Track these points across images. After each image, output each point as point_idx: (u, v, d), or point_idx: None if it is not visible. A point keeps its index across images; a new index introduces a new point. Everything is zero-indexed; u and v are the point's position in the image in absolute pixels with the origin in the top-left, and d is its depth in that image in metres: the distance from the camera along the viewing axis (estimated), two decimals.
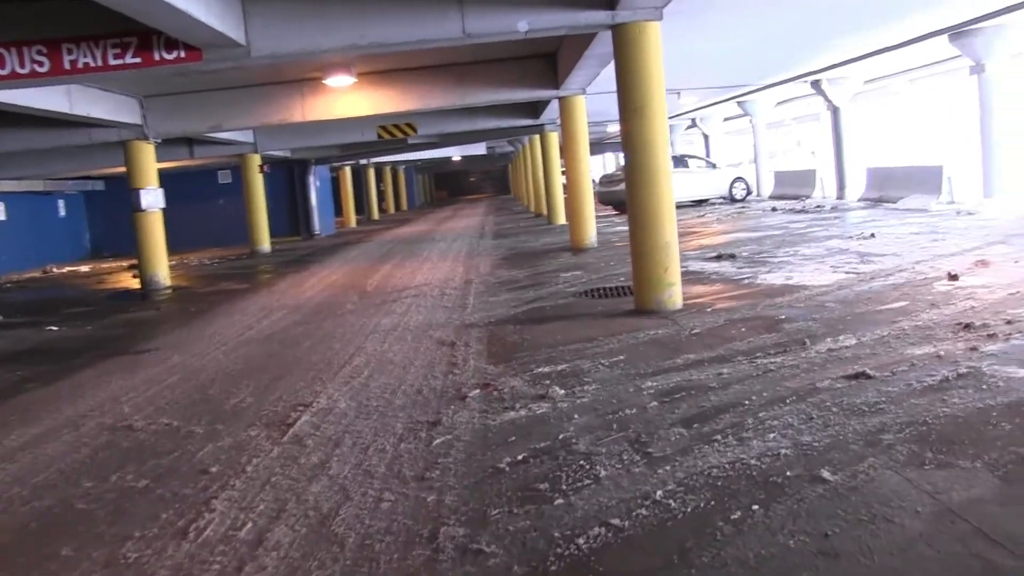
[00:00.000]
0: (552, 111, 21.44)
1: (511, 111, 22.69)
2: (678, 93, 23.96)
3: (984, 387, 5.24)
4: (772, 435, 4.71)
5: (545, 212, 26.65)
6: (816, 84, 24.37)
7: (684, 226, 19.06)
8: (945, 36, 17.76)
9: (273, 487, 4.68)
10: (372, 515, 4.16)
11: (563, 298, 10.89)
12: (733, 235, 17.14)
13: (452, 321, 9.80)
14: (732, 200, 28.79)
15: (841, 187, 25.06)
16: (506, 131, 27.18)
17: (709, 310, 9.01)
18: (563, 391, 6.05)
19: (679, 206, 26.92)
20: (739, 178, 29.49)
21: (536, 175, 29.91)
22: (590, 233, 17.14)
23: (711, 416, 5.16)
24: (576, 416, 5.44)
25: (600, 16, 9.20)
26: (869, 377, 5.68)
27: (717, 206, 27.32)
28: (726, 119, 37.61)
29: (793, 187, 28.53)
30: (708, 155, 35.32)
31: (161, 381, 7.86)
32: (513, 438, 5.12)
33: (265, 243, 25.17)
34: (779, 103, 31.73)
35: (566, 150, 17.00)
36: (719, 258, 13.31)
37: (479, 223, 31.18)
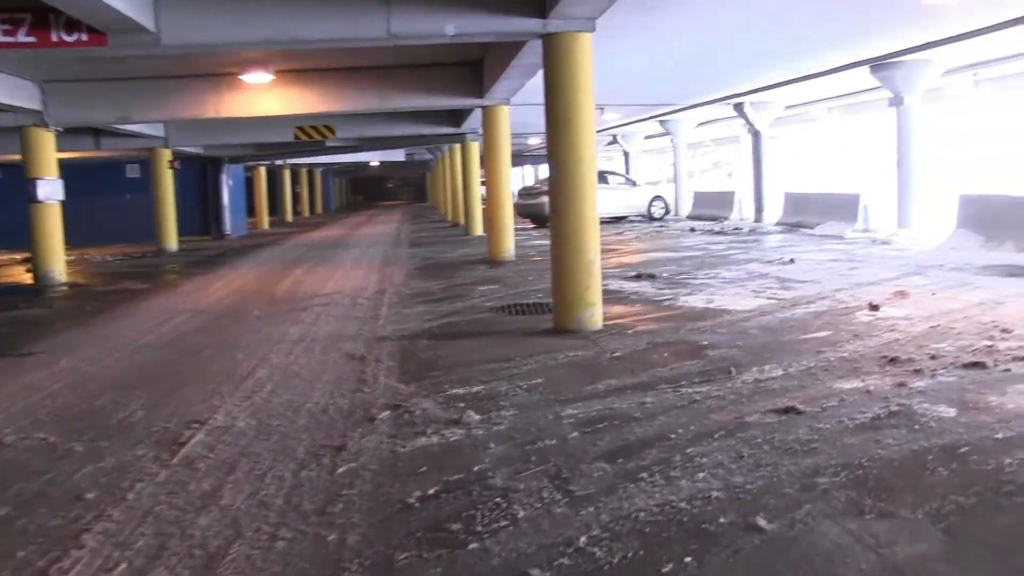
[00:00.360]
0: (474, 120, 21.14)
1: (432, 118, 22.32)
2: (602, 108, 23.83)
3: (917, 427, 5.02)
4: (702, 474, 4.41)
5: (463, 222, 26.30)
6: (739, 107, 24.45)
7: (603, 243, 18.84)
8: (867, 68, 17.87)
9: (156, 519, 4.21)
10: (265, 556, 3.73)
11: (479, 313, 10.54)
12: (653, 254, 16.99)
13: (363, 333, 9.37)
14: (651, 218, 28.76)
15: (759, 210, 25.17)
16: (426, 138, 26.80)
17: (630, 332, 8.75)
18: (478, 416, 5.68)
19: (604, 221, 26.87)
20: (658, 196, 29.51)
21: (455, 184, 29.55)
22: (508, 246, 16.84)
23: (636, 450, 4.85)
24: (492, 445, 5.08)
25: (531, 24, 8.89)
26: (799, 412, 5.43)
27: (636, 224, 27.26)
28: (647, 137, 37.73)
29: (711, 208, 28.62)
30: (628, 172, 35.32)
31: (43, 388, 7.27)
32: (424, 468, 4.73)
33: (173, 242, 24.33)
34: (700, 124, 31.88)
35: (487, 160, 16.69)
36: (639, 278, 13.09)
37: (395, 230, 30.69)
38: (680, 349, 7.78)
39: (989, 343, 7.24)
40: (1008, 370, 6.32)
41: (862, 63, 17.00)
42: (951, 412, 5.28)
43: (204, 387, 7.03)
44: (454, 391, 6.49)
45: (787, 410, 5.49)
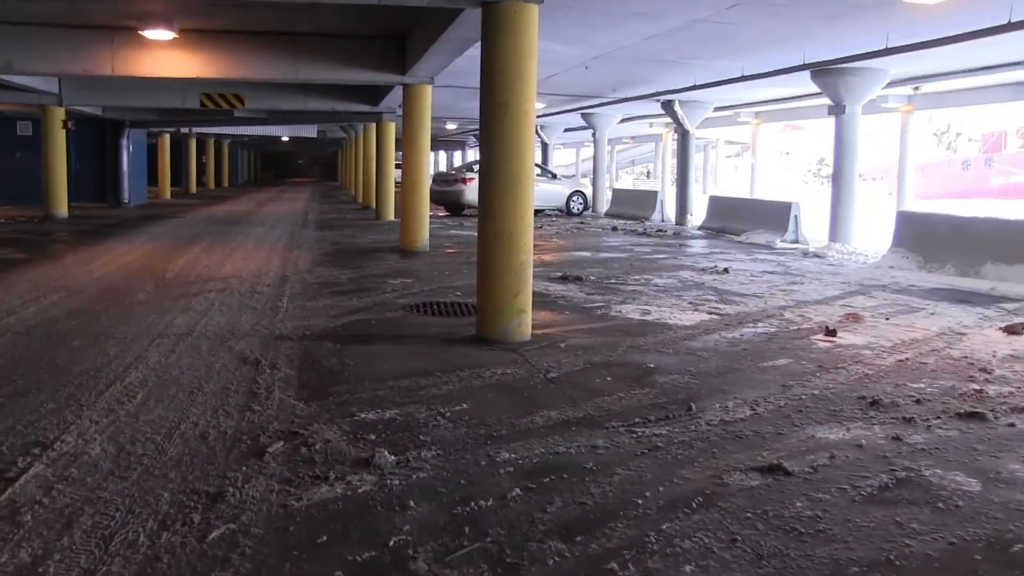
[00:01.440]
0: (392, 99, 19.99)
1: (348, 94, 21.09)
2: None
3: (940, 505, 4.09)
4: (689, 569, 3.40)
5: (374, 206, 25.06)
6: (668, 104, 23.63)
7: None
8: (807, 73, 17.15)
9: None
10: None
11: (392, 311, 9.44)
12: (576, 253, 16.04)
13: (260, 329, 8.19)
14: (569, 214, 27.90)
15: (682, 213, 24.44)
16: (340, 115, 25.50)
17: (563, 346, 7.75)
18: (394, 457, 4.59)
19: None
20: (577, 191, 28.66)
21: (368, 166, 28.22)
22: (423, 235, 15.73)
23: (597, 523, 3.81)
24: (412, 504, 3.99)
25: None
26: (788, 473, 4.47)
27: (554, 219, 26.31)
28: (567, 129, 36.82)
29: (632, 207, 27.83)
30: (547, 164, 34.39)
31: None
32: (324, 538, 3.62)
33: (63, 207, 22.55)
34: (623, 119, 31.10)
35: (405, 143, 15.52)
36: (565, 279, 12.12)
37: (303, 209, 29.24)
38: (624, 372, 6.80)
39: (976, 387, 6.39)
40: (1012, 424, 5.46)
41: (804, 67, 16.26)
42: (974, 485, 4.36)
43: (60, 392, 5.80)
44: (364, 416, 5.39)
45: (772, 469, 4.53)
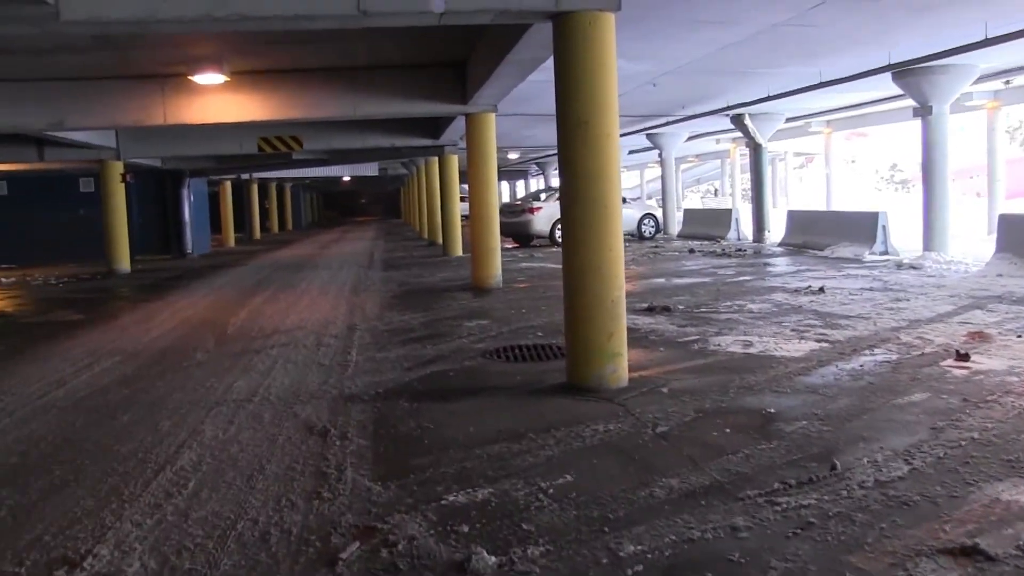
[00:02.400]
0: (453, 131, 19.32)
1: (408, 129, 20.47)
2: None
3: None
4: None
5: (440, 241, 24.41)
6: (738, 119, 22.69)
7: None
8: (887, 75, 16.13)
9: None
10: None
11: (470, 358, 8.64)
12: (657, 280, 15.13)
13: (328, 389, 7.43)
14: (641, 238, 26.98)
15: (760, 230, 23.44)
16: (401, 151, 24.90)
17: (665, 390, 6.88)
18: (494, 558, 3.74)
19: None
20: (649, 214, 27.74)
21: (432, 200, 27.56)
22: (495, 271, 14.94)
23: None
24: None
25: (539, 1, 7.03)
26: (990, 558, 3.55)
27: (627, 244, 25.29)
28: (631, 151, 35.97)
29: (705, 227, 26.86)
30: None
31: None
32: None
33: (125, 262, 22.18)
34: (690, 137, 30.17)
35: (471, 174, 14.78)
36: (651, 311, 11.24)
37: (368, 249, 28.67)
38: (742, 421, 5.91)
39: None
40: None
41: (888, 68, 15.23)
42: None
43: (100, 485, 5.06)
44: (451, 497, 4.58)
45: (966, 552, 3.61)
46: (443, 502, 4.52)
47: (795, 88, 17.44)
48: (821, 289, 12.61)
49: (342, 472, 5.09)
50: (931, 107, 16.28)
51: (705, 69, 15.31)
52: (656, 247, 23.67)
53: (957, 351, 7.82)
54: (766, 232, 23.37)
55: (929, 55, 14.10)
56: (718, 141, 34.59)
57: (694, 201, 60.68)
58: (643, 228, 27.14)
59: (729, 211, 26.76)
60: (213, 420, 6.48)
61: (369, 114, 14.66)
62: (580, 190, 7.01)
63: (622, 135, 28.34)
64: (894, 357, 7.87)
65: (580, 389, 7.01)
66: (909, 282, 13.31)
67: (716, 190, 56.07)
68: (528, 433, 5.74)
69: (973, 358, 7.63)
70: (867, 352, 8.15)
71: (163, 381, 8.05)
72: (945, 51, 13.58)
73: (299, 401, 6.99)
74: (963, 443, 5.19)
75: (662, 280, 15.14)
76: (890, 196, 44.38)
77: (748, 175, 30.19)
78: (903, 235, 18.90)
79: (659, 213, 28.79)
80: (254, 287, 16.66)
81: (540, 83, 13.71)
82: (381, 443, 5.71)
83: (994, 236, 20.56)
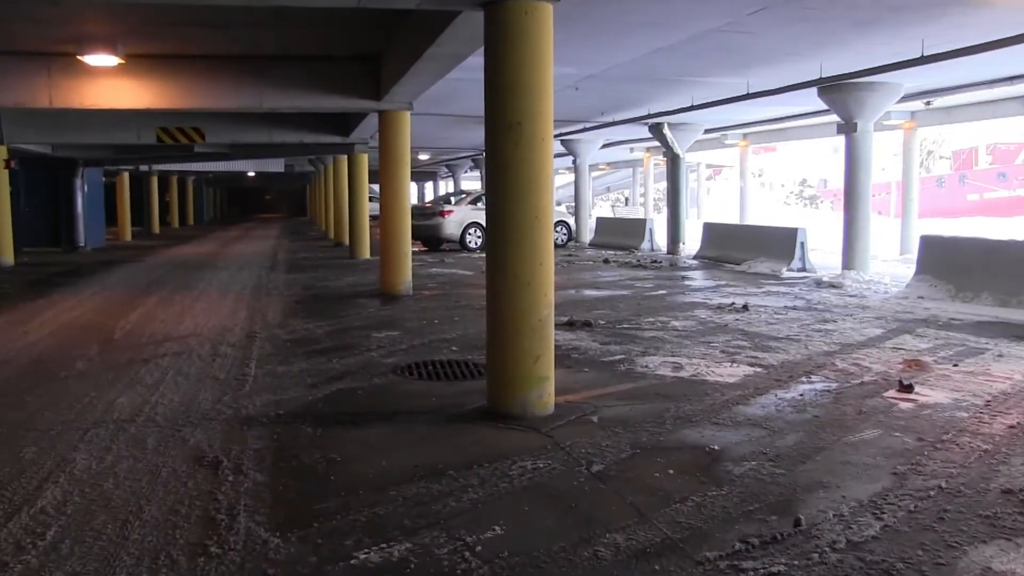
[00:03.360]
0: (364, 129, 18.57)
1: (317, 125, 19.63)
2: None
3: None
4: None
5: (347, 243, 23.57)
6: (656, 128, 22.33)
7: None
8: (815, 90, 15.87)
9: None
10: None
11: (380, 374, 7.95)
12: (574, 292, 14.57)
13: (222, 409, 6.65)
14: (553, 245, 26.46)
15: (674, 241, 23.11)
16: (309, 148, 24.04)
17: (595, 419, 6.30)
18: None
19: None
20: (561, 221, 27.22)
21: (340, 201, 26.58)
22: (405, 276, 14.22)
23: None
24: None
25: None
26: None
27: None
28: None
29: (619, 236, 26.47)
30: None
31: None
32: None
33: (8, 254, 20.72)
34: (605, 145, 29.78)
35: (383, 174, 14.04)
36: (572, 325, 10.70)
37: (272, 248, 27.58)
38: (685, 460, 5.34)
39: None
40: None
41: (819, 82, 14.93)
42: None
43: None
44: (363, 555, 3.89)
45: None
46: (353, 562, 3.83)
47: (721, 99, 17.07)
48: (745, 307, 12.21)
49: (234, 518, 4.36)
50: (856, 124, 16.05)
51: (631, 75, 14.83)
52: (570, 255, 23.17)
53: (900, 381, 7.40)
54: (681, 244, 23.06)
55: (861, 71, 13.80)
56: (632, 150, 34.33)
57: (604, 209, 60.62)
58: (555, 236, 26.61)
59: (644, 221, 26.43)
60: (88, 446, 5.66)
61: (276, 107, 13.84)
62: (511, 198, 6.37)
63: None
64: (834, 386, 7.43)
65: (503, 416, 6.37)
66: (832, 301, 13.00)
67: (627, 199, 55.97)
68: (448, 470, 5.08)
69: (916, 389, 7.22)
70: (804, 379, 7.69)
71: (33, 396, 7.16)
72: (880, 67, 13.28)
73: (189, 423, 6.21)
74: (931, 493, 4.69)
75: (579, 292, 14.60)
76: (799, 212, 44.73)
77: (660, 185, 30.03)
78: (817, 252, 18.69)
79: (571, 220, 28.32)
80: (148, 286, 15.65)
81: (457, 82, 13.11)
82: (281, 479, 4.99)
83: (908, 256, 20.67)
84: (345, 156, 23.56)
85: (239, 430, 6.04)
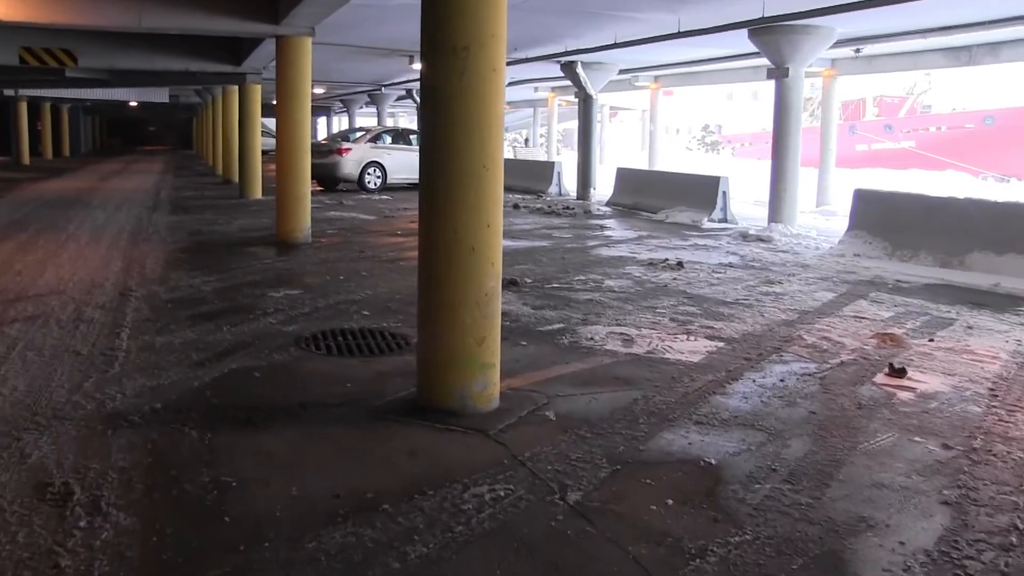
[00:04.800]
0: (259, 58, 16.87)
1: (205, 51, 17.82)
2: (412, 57, 20.06)
3: None
4: None
5: (237, 181, 21.86)
6: (569, 66, 21.08)
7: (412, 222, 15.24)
8: (745, 31, 14.80)
9: None
10: None
11: (281, 348, 6.64)
12: None
13: (81, 403, 5.24)
14: None
15: (586, 187, 21.99)
16: (196, 76, 21.97)
17: (552, 416, 5.14)
18: None
19: (395, 188, 22.97)
20: None
21: (229, 135, 24.60)
22: (304, 222, 12.78)
23: None
24: None
25: None
26: None
27: None
28: None
29: (524, 179, 25.15)
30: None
31: None
32: None
33: None
34: (509, 83, 28.38)
35: (280, 109, 12.53)
36: None
37: (155, 184, 25.54)
38: (679, 480, 4.23)
39: None
40: None
41: (755, 23, 13.85)
42: None
43: None
44: None
45: None
46: None
47: (648, 36, 15.87)
48: (679, 264, 11.17)
49: None
50: (787, 68, 15.06)
51: (550, 7, 13.52)
52: None
53: (891, 365, 6.40)
54: (592, 189, 21.96)
55: (808, 10, 12.71)
56: (536, 89, 32.99)
57: (507, 151, 59.35)
58: None
59: (551, 164, 25.20)
60: None
61: (157, 27, 12.17)
62: (453, 141, 5.08)
63: None
64: (812, 368, 6.42)
65: (438, 411, 5.15)
66: (767, 258, 12.11)
67: (527, 139, 54.73)
68: (382, 503, 3.86)
69: (907, 371, 6.26)
70: (776, 359, 6.67)
71: None
72: (830, 7, 12.20)
73: (34, 425, 4.81)
74: (1012, 539, 3.64)
75: None
76: (705, 158, 44.14)
77: (561, 126, 29.05)
78: (734, 201, 17.71)
79: None
80: (7, 229, 13.85)
81: (365, 8, 11.71)
82: (156, 521, 3.67)
83: (826, 208, 19.97)
84: (236, 87, 21.75)
85: (101, 436, 4.68)
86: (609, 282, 9.85)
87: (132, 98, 37.76)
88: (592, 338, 7.19)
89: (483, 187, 5.11)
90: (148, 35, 15.65)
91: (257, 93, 19.33)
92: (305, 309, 8.05)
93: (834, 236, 13.78)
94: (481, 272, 5.18)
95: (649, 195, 19.06)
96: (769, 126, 18.05)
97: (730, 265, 11.40)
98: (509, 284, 9.52)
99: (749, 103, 57.03)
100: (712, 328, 7.67)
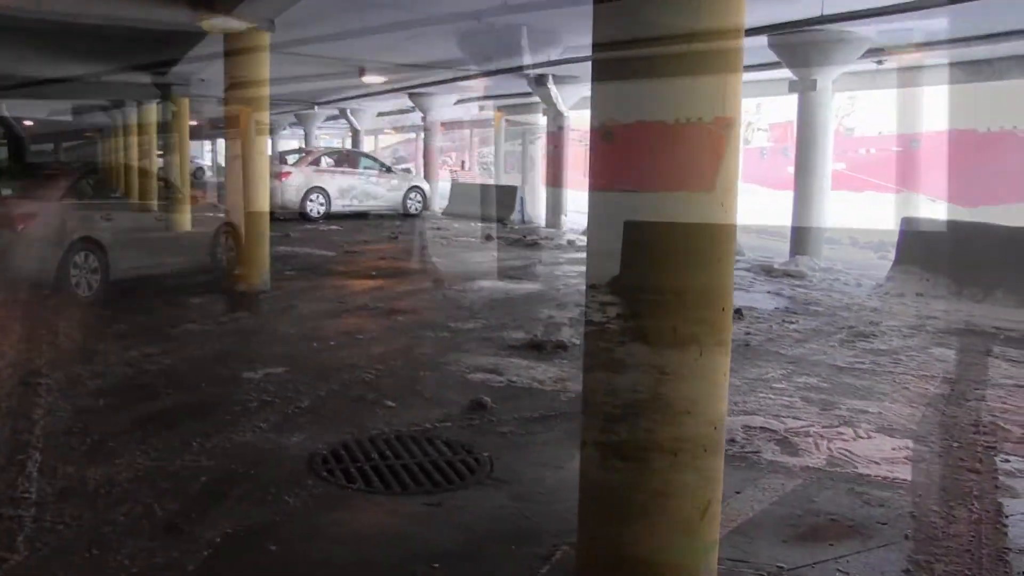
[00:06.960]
0: (191, 63, 14.15)
1: (121, 53, 14.77)
2: (362, 69, 17.60)
3: None
4: None
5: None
6: (539, 80, 18.77)
7: (391, 256, 12.76)
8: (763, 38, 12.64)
9: None
10: None
11: (293, 486, 4.26)
12: (485, 284, 10.83)
13: None
14: (406, 215, 22.45)
15: (556, 213, 19.78)
16: (111, 88, 19.00)
17: None
18: None
19: (339, 216, 20.37)
20: (416, 187, 23.23)
21: (151, 160, 21.55)
22: (263, 266, 10.14)
23: None
24: None
25: None
26: None
27: (397, 222, 20.61)
28: (380, 114, 31.46)
29: (479, 206, 22.42)
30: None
31: None
32: None
33: None
34: (459, 101, 26.04)
35: (233, 121, 9.97)
36: (539, 348, 7.12)
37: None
38: None
39: None
40: None
41: (760, 30, 11.65)
42: None
43: None
44: None
45: None
46: None
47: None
48: (738, 312, 8.93)
49: None
50: (815, 81, 12.95)
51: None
52: (438, 228, 19.36)
53: None
54: (563, 217, 19.66)
55: (862, 10, 10.52)
56: (481, 108, 30.69)
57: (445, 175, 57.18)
58: (408, 203, 22.71)
59: (512, 188, 22.74)
60: None
61: (60, 12, 9.47)
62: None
63: (384, 92, 23.82)
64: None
65: None
66: (823, 300, 10.28)
67: (463, 162, 52.33)
68: None
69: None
70: (1004, 464, 4.48)
71: None
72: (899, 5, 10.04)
73: None
74: None
75: (493, 283, 10.93)
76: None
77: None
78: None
79: (427, 186, 24.31)
80: None
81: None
82: None
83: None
84: (155, 103, 18.86)
85: None
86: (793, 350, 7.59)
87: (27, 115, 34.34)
88: (734, 439, 4.89)
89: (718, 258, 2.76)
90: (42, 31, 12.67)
91: (185, 107, 16.64)
92: (303, 401, 5.57)
93: (859, 269, 12.41)
94: (713, 399, 2.83)
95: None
96: None
97: (791, 311, 9.27)
98: (556, 347, 7.19)
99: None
100: (868, 413, 5.61)
